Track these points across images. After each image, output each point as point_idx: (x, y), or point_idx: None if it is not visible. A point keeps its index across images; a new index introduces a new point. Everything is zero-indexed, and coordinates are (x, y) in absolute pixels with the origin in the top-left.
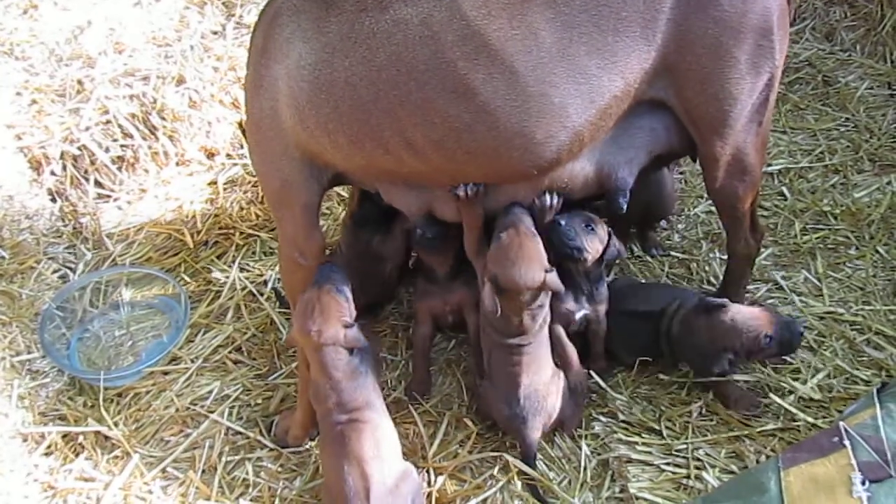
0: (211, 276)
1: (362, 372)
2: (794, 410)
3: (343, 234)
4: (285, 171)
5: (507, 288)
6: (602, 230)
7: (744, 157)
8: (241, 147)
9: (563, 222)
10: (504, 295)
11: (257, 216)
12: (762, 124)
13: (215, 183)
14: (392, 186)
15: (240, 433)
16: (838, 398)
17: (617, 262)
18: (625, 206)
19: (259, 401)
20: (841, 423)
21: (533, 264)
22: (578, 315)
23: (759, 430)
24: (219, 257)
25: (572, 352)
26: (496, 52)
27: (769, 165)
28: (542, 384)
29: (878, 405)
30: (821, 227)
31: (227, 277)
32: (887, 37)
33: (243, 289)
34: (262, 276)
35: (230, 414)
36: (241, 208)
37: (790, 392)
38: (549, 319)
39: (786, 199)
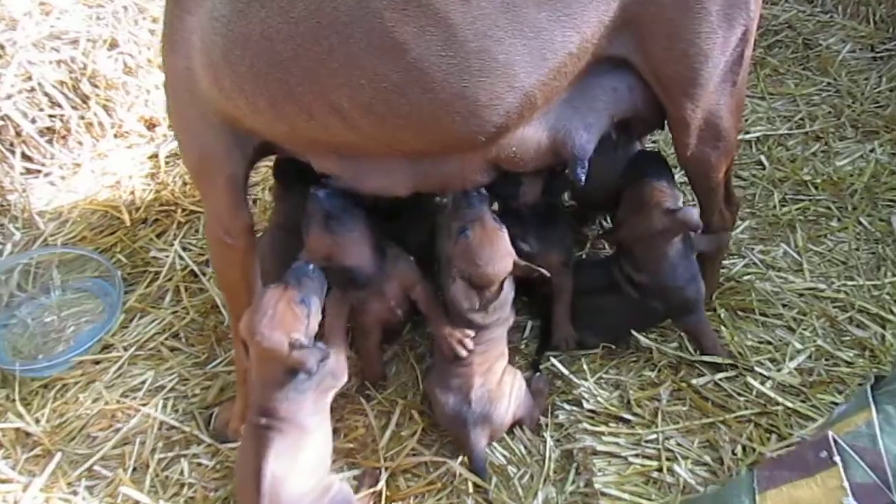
0: (149, 256)
1: (299, 391)
2: (771, 394)
3: (277, 214)
4: (204, 139)
5: (482, 284)
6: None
7: (717, 121)
8: None
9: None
10: (477, 289)
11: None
12: (737, 84)
13: (156, 156)
14: (324, 158)
15: (174, 427)
16: (820, 382)
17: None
18: (583, 177)
19: (197, 391)
20: (830, 433)
21: (505, 258)
22: (521, 247)
23: (734, 415)
24: (158, 236)
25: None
26: (429, 2)
27: (746, 133)
28: (495, 382)
29: (873, 408)
30: (801, 197)
31: (167, 257)
32: None
33: (184, 269)
34: (204, 255)
35: (164, 406)
36: (185, 183)
37: (767, 377)
38: (512, 316)
39: (764, 169)
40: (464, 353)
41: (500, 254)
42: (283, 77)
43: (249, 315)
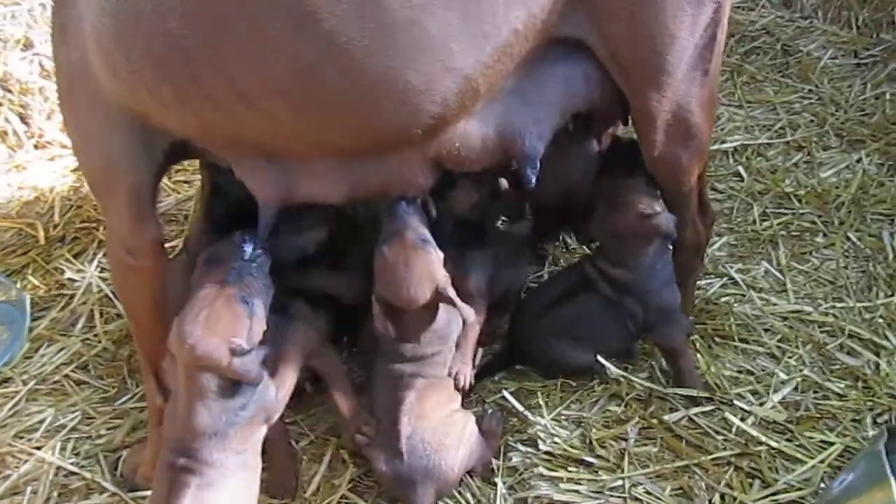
0: (64, 277)
1: (229, 422)
2: (753, 432)
3: (192, 230)
4: (106, 142)
5: (396, 308)
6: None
7: (687, 116)
8: None
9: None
10: (396, 315)
11: None
12: (709, 73)
13: (78, 170)
14: (245, 161)
15: (74, 473)
16: (807, 418)
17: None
18: (533, 179)
19: (103, 431)
20: None
21: (423, 282)
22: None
23: (711, 457)
24: (76, 256)
25: None
26: None
27: (723, 143)
28: (435, 431)
29: (893, 481)
30: (783, 211)
31: (83, 278)
32: (852, 0)
33: (100, 292)
34: None
35: (64, 449)
36: None
37: (748, 413)
38: (452, 349)
39: (742, 181)
40: (363, 441)
41: (415, 275)
42: (183, 59)
43: (178, 321)
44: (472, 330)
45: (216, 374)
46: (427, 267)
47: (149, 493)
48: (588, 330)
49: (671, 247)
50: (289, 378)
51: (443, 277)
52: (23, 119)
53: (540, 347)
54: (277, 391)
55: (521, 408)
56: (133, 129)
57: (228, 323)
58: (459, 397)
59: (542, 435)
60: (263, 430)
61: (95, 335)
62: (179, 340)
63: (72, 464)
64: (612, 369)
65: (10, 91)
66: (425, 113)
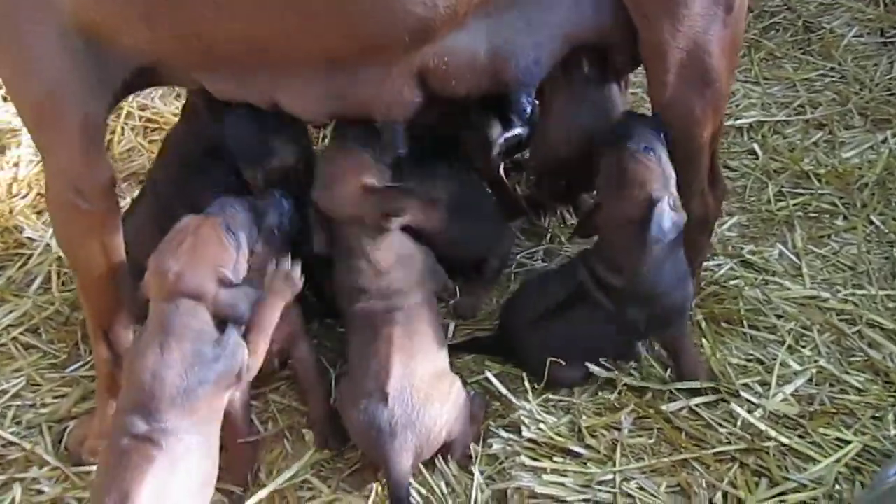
0: (23, 236)
1: (210, 371)
2: (761, 426)
3: (159, 169)
4: (56, 65)
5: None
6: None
7: (704, 57)
8: None
9: None
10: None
11: None
12: (732, 10)
13: None
14: (218, 74)
15: (12, 444)
16: (822, 413)
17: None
18: (527, 109)
19: (49, 400)
20: None
21: (347, 180)
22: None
23: (713, 452)
24: (38, 213)
25: None
26: None
27: (736, 119)
28: (423, 379)
29: None
30: (801, 191)
31: (43, 238)
32: None
33: (59, 253)
34: None
35: (3, 416)
36: None
37: (756, 405)
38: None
39: (757, 158)
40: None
41: (339, 172)
42: None
43: (156, 253)
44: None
45: (197, 307)
46: (353, 166)
47: (94, 468)
48: (583, 347)
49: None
50: (261, 347)
51: (371, 178)
52: None
53: (529, 356)
54: (249, 357)
55: (504, 391)
56: (89, 53)
57: (215, 251)
58: (446, 351)
59: (526, 420)
60: (225, 399)
61: (50, 298)
62: (160, 272)
63: (11, 433)
64: (603, 373)
65: None
66: (413, 15)
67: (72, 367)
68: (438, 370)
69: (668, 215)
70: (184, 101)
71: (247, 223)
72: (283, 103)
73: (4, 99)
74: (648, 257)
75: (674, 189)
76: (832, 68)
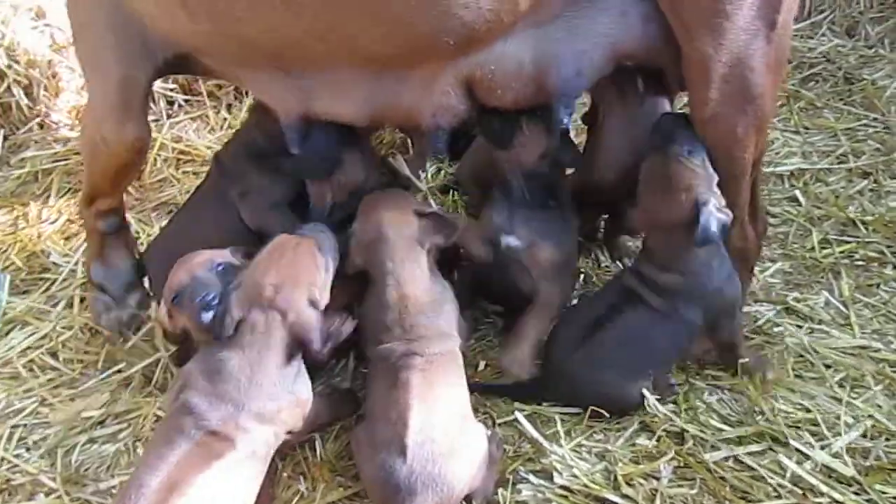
0: (49, 261)
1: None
2: (813, 481)
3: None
4: (100, 35)
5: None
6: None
7: (746, 73)
8: None
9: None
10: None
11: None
12: (776, 27)
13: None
14: (258, 73)
15: (16, 468)
16: (879, 469)
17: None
18: (567, 122)
19: (60, 417)
20: None
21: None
22: (504, 241)
23: None
24: (66, 240)
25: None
26: None
27: (777, 166)
28: (444, 431)
29: None
30: (846, 238)
31: (68, 263)
32: None
33: (85, 277)
34: None
35: (10, 439)
36: None
37: (806, 456)
38: (452, 324)
39: (799, 205)
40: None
41: (391, 202)
42: None
43: (256, 268)
44: (546, 310)
45: (283, 324)
46: (404, 197)
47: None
48: (636, 354)
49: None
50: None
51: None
52: (27, 94)
53: (577, 383)
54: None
55: (535, 433)
56: (131, 28)
57: (312, 271)
58: (468, 395)
59: (558, 466)
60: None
61: (70, 322)
62: (255, 284)
63: (15, 456)
64: (659, 407)
65: (16, 62)
66: (458, 18)
67: (85, 386)
68: (461, 421)
69: (715, 217)
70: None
71: (334, 248)
72: (322, 105)
73: (41, 126)
74: (697, 257)
75: (717, 190)
76: (875, 119)
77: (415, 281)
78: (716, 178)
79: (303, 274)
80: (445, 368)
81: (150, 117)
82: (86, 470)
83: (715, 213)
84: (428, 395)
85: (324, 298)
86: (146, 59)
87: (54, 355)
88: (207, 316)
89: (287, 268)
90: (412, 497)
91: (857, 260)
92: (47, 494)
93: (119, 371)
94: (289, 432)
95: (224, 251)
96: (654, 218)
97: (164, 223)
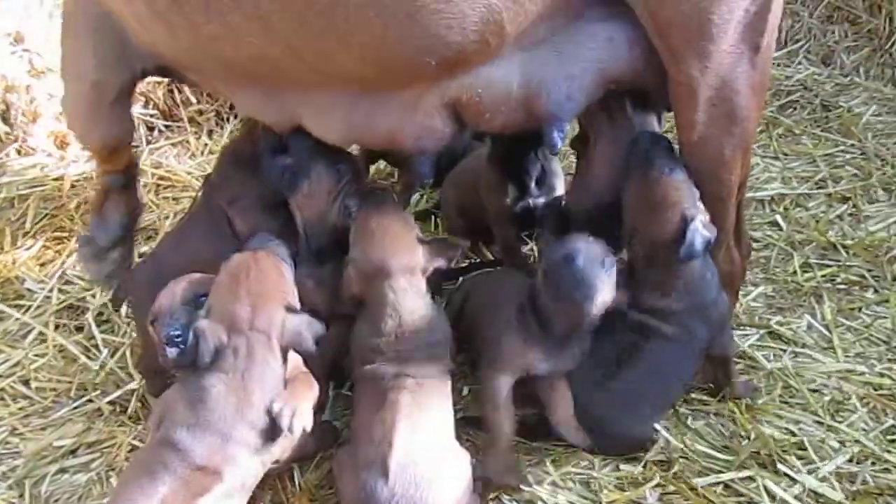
0: (23, 287)
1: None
2: None
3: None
4: (79, 38)
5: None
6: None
7: (733, 97)
8: None
9: (579, 256)
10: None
11: None
12: (759, 50)
13: (61, 179)
14: (242, 89)
15: None
16: (865, 493)
17: None
18: (559, 143)
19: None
20: None
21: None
22: (542, 367)
23: None
24: (42, 266)
25: (506, 420)
26: None
27: (757, 191)
28: (429, 455)
29: None
30: (828, 262)
31: (43, 290)
32: None
33: (60, 303)
34: (89, 290)
35: None
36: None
37: (794, 481)
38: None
39: (780, 230)
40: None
41: (392, 226)
42: None
43: (218, 296)
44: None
45: (270, 343)
46: (405, 221)
47: None
48: (660, 387)
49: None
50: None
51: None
52: (5, 120)
53: (602, 424)
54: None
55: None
56: (110, 36)
57: (277, 281)
58: (453, 421)
59: (543, 496)
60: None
61: (44, 350)
62: (226, 313)
63: None
64: (672, 441)
65: None
66: (440, 41)
67: (57, 414)
68: (446, 446)
69: (700, 233)
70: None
71: (287, 255)
72: (307, 125)
73: (18, 152)
74: (692, 272)
75: (701, 205)
76: (852, 145)
77: (414, 311)
78: (698, 194)
79: (273, 288)
80: (435, 392)
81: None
82: (56, 501)
83: (701, 230)
84: (415, 417)
85: (296, 301)
86: (125, 66)
87: (26, 384)
88: (172, 351)
89: (256, 286)
90: None
91: (839, 284)
92: None
93: (91, 400)
94: (275, 461)
95: (205, 278)
96: (643, 238)
97: (143, 249)
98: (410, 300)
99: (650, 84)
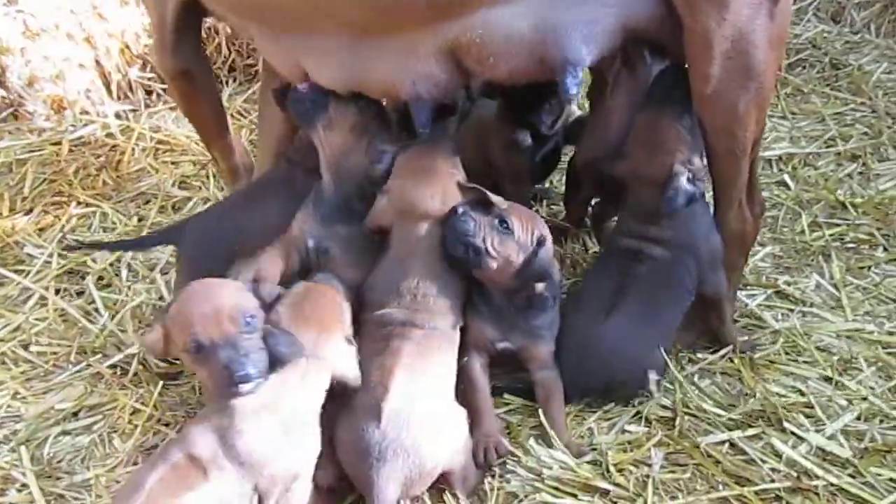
0: (23, 252)
1: None
2: (807, 464)
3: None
4: None
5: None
6: (524, 231)
7: (750, 49)
8: (102, 103)
9: (460, 209)
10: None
11: (105, 184)
12: (778, 3)
13: (59, 143)
14: (258, 31)
15: None
16: (874, 451)
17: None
18: (574, 91)
19: (32, 410)
20: None
21: (445, 184)
22: (500, 346)
23: (756, 489)
24: (41, 231)
25: (485, 399)
26: None
27: (765, 150)
28: (425, 404)
29: None
30: (836, 221)
31: (43, 255)
32: None
33: (60, 267)
34: (89, 254)
35: None
36: (89, 175)
37: (801, 439)
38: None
39: (788, 189)
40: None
41: (434, 169)
42: None
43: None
44: (558, 395)
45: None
46: (448, 164)
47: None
48: (659, 312)
49: None
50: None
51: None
52: (0, 83)
53: (610, 356)
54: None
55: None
56: None
57: (336, 311)
58: (454, 378)
59: (546, 459)
60: None
61: (44, 314)
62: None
63: None
64: (677, 398)
65: None
66: None
67: (57, 379)
68: (445, 399)
69: (684, 189)
70: None
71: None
72: (309, 70)
73: (15, 117)
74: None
75: (697, 160)
76: (862, 103)
77: (437, 260)
78: (701, 147)
79: (336, 318)
80: (440, 345)
81: (128, 107)
82: (58, 462)
83: (684, 186)
84: (416, 367)
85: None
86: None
87: (27, 348)
88: (246, 388)
89: (317, 320)
90: (382, 464)
91: (848, 242)
92: (19, 490)
93: (91, 364)
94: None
95: (245, 293)
96: (636, 171)
97: (142, 213)
98: (432, 248)
99: (667, 35)
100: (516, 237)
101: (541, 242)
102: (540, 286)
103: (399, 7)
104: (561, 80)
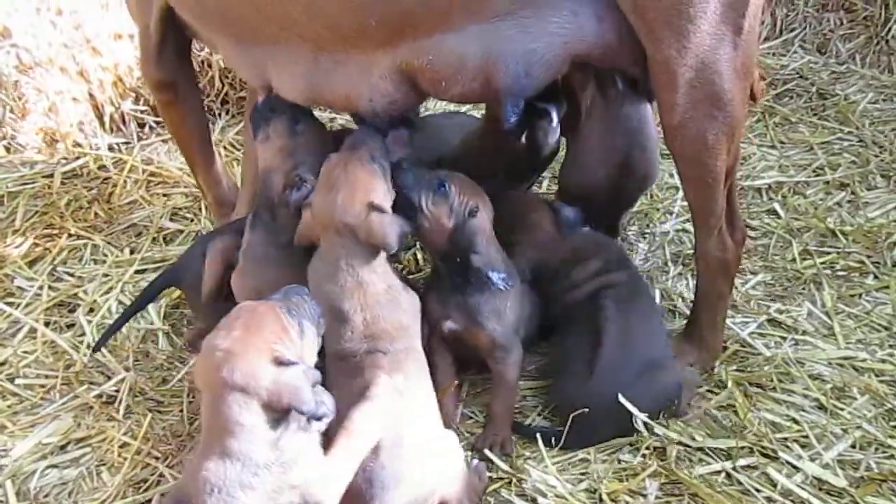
0: (13, 285)
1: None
2: (804, 495)
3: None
4: None
5: (324, 224)
6: (460, 197)
7: (714, 78)
8: (95, 135)
9: (405, 164)
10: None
11: (97, 216)
12: (741, 32)
13: (51, 176)
14: (224, 41)
15: None
16: (870, 480)
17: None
18: (513, 119)
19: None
20: None
21: (356, 194)
22: (445, 326)
23: None
24: (31, 263)
25: (442, 370)
26: None
27: (754, 179)
28: (412, 430)
29: None
30: (827, 249)
31: (33, 287)
32: (893, 45)
33: (50, 300)
34: (80, 286)
35: None
36: (81, 207)
37: (796, 468)
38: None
39: (779, 218)
40: None
41: (351, 183)
42: None
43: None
44: (504, 389)
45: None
46: (367, 181)
47: None
48: (646, 334)
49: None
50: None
51: (382, 201)
52: None
53: (605, 418)
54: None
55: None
56: None
57: (271, 330)
58: (436, 403)
59: (541, 487)
60: None
61: (32, 347)
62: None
63: None
64: (671, 429)
65: None
66: (387, 3)
67: (44, 412)
68: (431, 423)
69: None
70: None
71: (312, 313)
72: (272, 82)
73: (7, 149)
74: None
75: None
76: (849, 132)
77: (375, 269)
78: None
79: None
80: (409, 368)
81: (121, 139)
82: (45, 497)
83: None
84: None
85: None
86: (149, 10)
87: (13, 381)
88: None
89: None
90: (384, 492)
91: (839, 270)
92: None
93: (78, 395)
94: None
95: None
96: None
97: (134, 245)
98: (365, 264)
99: (627, 61)
100: (450, 201)
101: (472, 213)
102: (476, 259)
103: (352, 27)
104: (503, 107)
